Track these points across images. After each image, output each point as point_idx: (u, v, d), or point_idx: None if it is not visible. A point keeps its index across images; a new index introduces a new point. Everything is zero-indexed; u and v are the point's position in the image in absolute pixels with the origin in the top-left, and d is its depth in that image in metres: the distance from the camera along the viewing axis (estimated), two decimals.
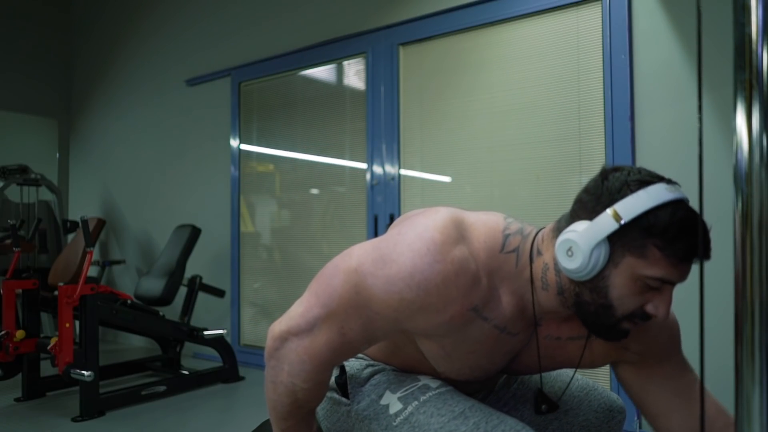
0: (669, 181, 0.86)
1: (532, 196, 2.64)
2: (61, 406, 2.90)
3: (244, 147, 3.91)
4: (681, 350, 1.06)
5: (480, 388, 1.13)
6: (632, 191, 0.83)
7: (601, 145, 2.48)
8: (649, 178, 0.84)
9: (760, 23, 0.53)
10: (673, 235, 0.81)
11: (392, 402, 0.98)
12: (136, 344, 4.59)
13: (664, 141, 2.36)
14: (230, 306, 3.90)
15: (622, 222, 0.82)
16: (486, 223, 0.93)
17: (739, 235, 0.55)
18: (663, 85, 2.37)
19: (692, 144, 2.29)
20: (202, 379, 3.28)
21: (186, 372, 3.37)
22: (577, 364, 1.01)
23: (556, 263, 0.89)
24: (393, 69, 3.15)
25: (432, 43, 3.05)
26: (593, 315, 0.88)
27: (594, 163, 2.52)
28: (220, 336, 3.36)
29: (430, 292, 0.84)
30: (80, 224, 2.82)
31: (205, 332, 3.31)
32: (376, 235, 3.17)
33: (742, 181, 0.55)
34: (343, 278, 0.89)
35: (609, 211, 0.83)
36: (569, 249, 0.85)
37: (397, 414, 0.96)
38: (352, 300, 0.87)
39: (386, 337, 0.95)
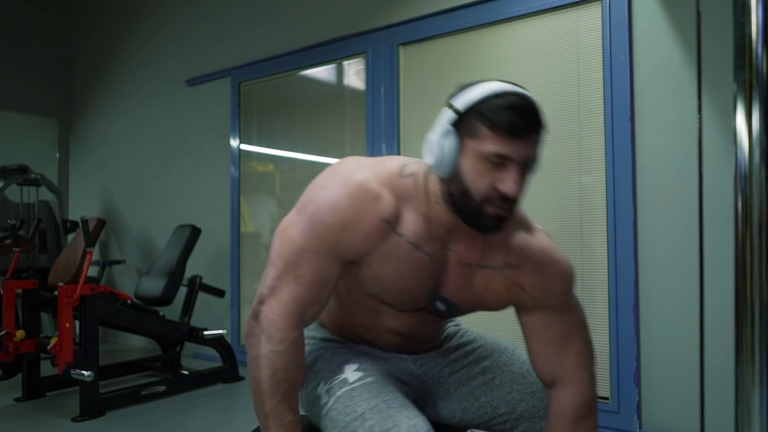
0: (510, 83, 1.00)
1: (532, 196, 2.63)
2: (61, 406, 2.90)
3: (244, 147, 3.91)
4: (567, 304, 1.14)
5: (426, 337, 1.23)
6: (464, 89, 0.99)
7: (601, 145, 2.48)
8: (486, 80, 0.99)
9: (760, 24, 0.53)
10: (498, 113, 0.93)
11: (321, 393, 1.08)
12: (136, 344, 4.59)
13: (664, 141, 2.36)
14: (230, 306, 3.90)
15: (458, 109, 0.97)
16: (385, 158, 1.11)
17: (739, 235, 0.55)
18: (663, 85, 2.37)
19: (692, 144, 2.29)
20: (202, 379, 3.28)
21: (186, 372, 3.37)
22: (486, 292, 1.10)
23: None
24: (393, 69, 3.15)
25: (432, 43, 3.05)
26: (461, 205, 0.99)
27: (594, 163, 2.52)
28: (220, 336, 3.36)
29: (343, 210, 1.00)
30: (80, 224, 2.82)
31: (205, 332, 3.31)
32: None
33: (742, 181, 0.55)
34: (280, 238, 1.05)
35: (447, 106, 0.99)
36: (427, 147, 1.00)
37: (323, 405, 1.07)
38: (292, 250, 1.02)
39: (335, 275, 1.05)
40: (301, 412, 1.13)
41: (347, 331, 1.23)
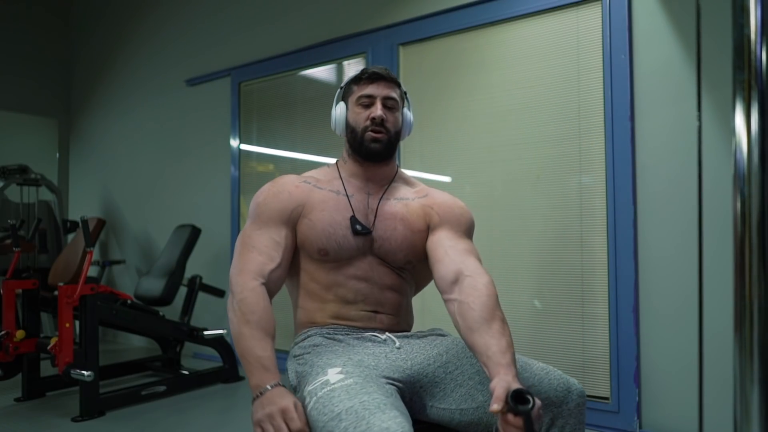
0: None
1: (532, 196, 2.63)
2: (61, 406, 2.90)
3: (244, 147, 3.91)
4: (468, 233, 1.41)
5: (388, 284, 1.39)
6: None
7: (601, 145, 2.48)
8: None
9: (759, 24, 0.53)
10: (360, 73, 1.41)
11: (305, 395, 1.14)
12: (136, 344, 4.59)
13: (664, 141, 2.36)
14: None
15: (342, 85, 1.47)
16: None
17: (739, 235, 0.55)
18: (663, 85, 2.37)
19: (692, 144, 2.29)
20: (202, 379, 3.28)
21: (186, 372, 3.37)
22: (405, 213, 1.40)
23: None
24: (393, 69, 3.15)
25: (432, 43, 3.05)
26: (353, 143, 1.41)
27: (594, 163, 2.52)
28: (220, 336, 3.37)
29: (269, 189, 1.40)
30: (80, 224, 2.82)
31: (205, 332, 3.31)
32: None
33: (741, 181, 0.55)
34: (238, 240, 1.37)
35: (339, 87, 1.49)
36: (331, 124, 1.49)
37: (306, 406, 1.12)
38: (244, 235, 1.35)
39: (282, 238, 1.33)
40: None
41: (326, 316, 1.37)
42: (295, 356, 1.35)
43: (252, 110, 3.89)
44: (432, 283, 1.43)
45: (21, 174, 4.50)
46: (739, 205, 0.56)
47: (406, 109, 1.46)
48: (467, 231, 1.41)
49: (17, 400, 3.00)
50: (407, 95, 1.48)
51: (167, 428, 2.61)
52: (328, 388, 1.10)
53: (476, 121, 2.86)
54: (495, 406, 0.95)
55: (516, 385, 0.98)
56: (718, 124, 2.19)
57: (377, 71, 1.38)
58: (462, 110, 2.91)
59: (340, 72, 3.49)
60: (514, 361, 1.08)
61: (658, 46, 2.38)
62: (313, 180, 1.42)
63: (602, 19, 2.48)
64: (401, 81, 3.13)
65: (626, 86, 2.41)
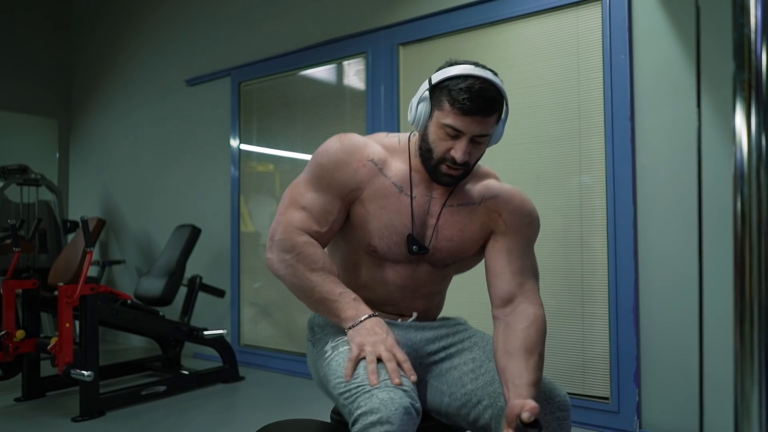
0: (481, 66, 1.21)
1: (532, 196, 2.61)
2: (61, 406, 2.90)
3: (244, 147, 3.91)
4: (530, 243, 1.33)
5: (425, 292, 1.36)
6: (445, 67, 1.22)
7: (601, 145, 2.48)
8: (462, 61, 1.22)
9: (759, 24, 0.53)
10: (457, 94, 1.16)
11: (327, 349, 1.27)
12: (136, 344, 4.59)
13: (664, 141, 2.36)
14: (230, 306, 3.90)
15: (432, 83, 1.21)
16: (374, 134, 1.37)
17: (739, 235, 0.55)
18: (663, 85, 2.37)
19: (692, 144, 2.29)
20: (202, 379, 3.28)
21: (186, 372, 3.37)
22: (467, 223, 1.30)
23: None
24: (393, 69, 3.15)
25: (432, 43, 3.05)
26: (426, 160, 1.24)
27: (594, 163, 2.52)
28: (220, 336, 3.37)
29: (335, 152, 1.26)
30: (80, 224, 2.82)
31: (205, 332, 3.31)
32: None
33: (741, 181, 0.55)
34: (288, 189, 1.31)
35: (427, 80, 1.24)
36: (409, 108, 1.27)
37: (326, 357, 1.25)
38: (296, 190, 1.28)
39: (335, 210, 1.26)
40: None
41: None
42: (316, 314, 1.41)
43: (252, 110, 3.89)
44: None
45: (21, 174, 4.50)
46: (739, 205, 0.56)
47: (500, 124, 1.25)
48: (532, 241, 1.33)
49: (17, 400, 3.00)
50: (507, 103, 1.24)
51: (167, 428, 2.61)
52: (347, 347, 1.20)
53: None
54: (507, 425, 1.03)
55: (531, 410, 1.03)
56: (718, 124, 2.19)
57: (475, 105, 1.15)
58: None
59: (340, 72, 3.49)
60: (536, 397, 1.11)
61: (658, 46, 2.38)
62: (380, 161, 1.27)
63: (602, 19, 2.48)
64: (402, 80, 3.17)
65: (626, 86, 2.41)
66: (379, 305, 1.33)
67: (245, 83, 3.90)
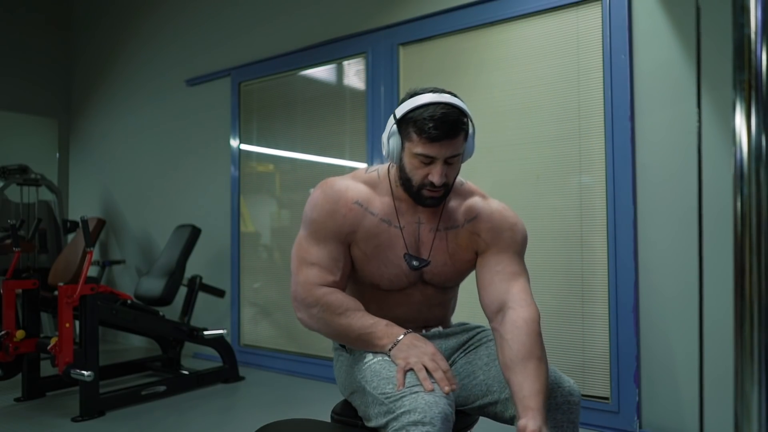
0: (439, 91, 1.26)
1: (532, 196, 2.63)
2: (61, 406, 2.91)
3: (244, 147, 3.91)
4: (517, 252, 1.36)
5: (435, 313, 1.44)
6: (406, 99, 1.27)
7: (601, 145, 2.48)
8: (421, 90, 1.27)
9: (759, 24, 0.53)
10: (422, 123, 1.21)
11: (367, 354, 1.31)
12: (136, 344, 4.59)
13: (664, 141, 2.36)
14: (230, 306, 3.90)
15: (398, 117, 1.27)
16: (353, 172, 1.43)
17: (739, 235, 0.55)
18: (663, 85, 2.37)
19: (692, 144, 2.29)
20: (202, 379, 3.28)
21: (186, 372, 3.37)
22: (456, 245, 1.36)
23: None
24: (393, 69, 3.15)
25: (432, 43, 3.05)
26: (407, 189, 1.30)
27: (594, 163, 2.52)
28: (220, 336, 3.37)
29: (322, 205, 1.33)
30: (80, 224, 2.82)
31: (205, 332, 3.31)
32: None
33: (741, 181, 0.55)
34: (294, 250, 1.37)
35: (392, 114, 1.29)
36: (381, 143, 1.34)
37: (366, 361, 1.29)
38: (300, 249, 1.35)
39: (340, 254, 1.33)
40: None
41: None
42: None
43: (252, 110, 3.89)
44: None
45: (21, 174, 4.50)
46: (739, 205, 0.56)
47: (469, 140, 1.30)
48: (517, 250, 1.36)
49: (17, 400, 3.00)
50: (471, 120, 1.30)
51: (167, 428, 2.61)
52: (382, 357, 1.28)
53: (476, 121, 2.85)
54: None
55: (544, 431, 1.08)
56: (718, 124, 2.19)
57: (441, 132, 1.20)
58: None
59: (340, 72, 3.49)
60: (544, 404, 1.13)
61: (658, 46, 2.38)
62: (364, 200, 1.33)
63: (602, 19, 2.48)
64: (402, 80, 3.17)
65: (626, 86, 2.41)
66: (401, 323, 1.38)
67: (245, 83, 3.90)
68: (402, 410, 1.10)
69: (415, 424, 1.07)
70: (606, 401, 2.44)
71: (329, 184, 1.35)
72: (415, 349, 1.21)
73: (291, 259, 1.37)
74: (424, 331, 1.42)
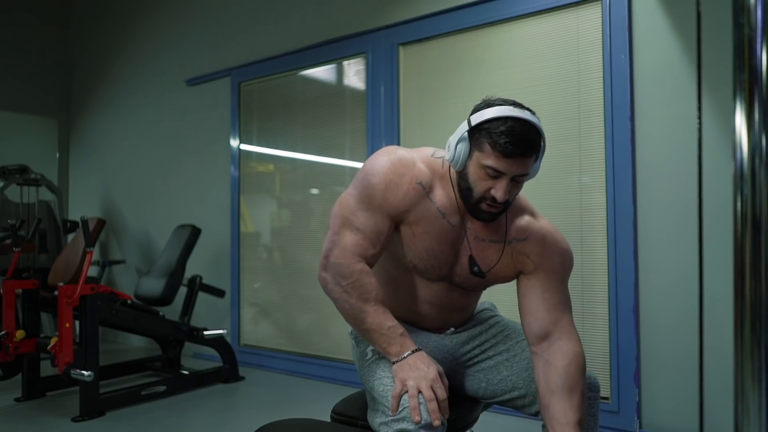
0: (519, 105, 1.22)
1: (532, 196, 2.63)
2: (61, 406, 2.91)
3: (244, 147, 3.91)
4: (564, 279, 1.35)
5: (458, 306, 1.44)
6: (483, 108, 1.23)
7: (601, 145, 2.48)
8: (500, 101, 1.23)
9: (759, 24, 0.53)
10: (499, 137, 1.17)
11: (368, 352, 1.35)
12: (136, 344, 4.59)
13: (664, 141, 2.36)
14: (230, 306, 3.90)
15: (472, 125, 1.22)
16: (419, 148, 1.37)
17: (739, 235, 0.55)
18: (663, 85, 2.37)
19: (692, 144, 2.29)
20: (202, 379, 3.28)
21: (186, 372, 3.37)
22: (496, 262, 1.34)
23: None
24: (393, 69, 3.15)
25: (432, 43, 3.05)
26: (465, 198, 1.26)
27: (594, 163, 2.52)
28: (220, 336, 3.37)
29: (386, 173, 1.27)
30: (80, 224, 2.82)
31: (205, 332, 3.31)
32: None
33: (741, 181, 0.55)
34: (338, 204, 1.32)
35: (466, 120, 1.25)
36: (447, 145, 1.27)
37: (369, 359, 1.34)
38: (347, 210, 1.29)
39: (385, 228, 1.29)
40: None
41: (395, 314, 1.37)
42: None
43: (252, 110, 3.89)
44: None
45: (21, 174, 4.50)
46: (739, 205, 0.56)
47: (537, 161, 1.26)
48: (564, 277, 1.35)
49: (17, 400, 3.00)
50: (545, 142, 1.26)
51: (167, 428, 2.61)
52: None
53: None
54: None
55: None
56: (718, 124, 2.19)
57: (515, 149, 1.18)
58: (462, 110, 2.90)
59: (340, 72, 3.49)
60: None
61: (658, 46, 2.38)
62: (427, 184, 1.29)
63: (602, 19, 2.48)
64: (402, 80, 3.17)
65: (626, 86, 2.41)
66: (419, 320, 1.43)
67: (245, 83, 3.90)
68: (397, 416, 1.15)
69: None
70: (606, 401, 2.44)
71: (397, 155, 1.30)
72: (416, 372, 1.20)
73: (331, 214, 1.32)
74: (437, 334, 1.44)
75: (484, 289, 1.45)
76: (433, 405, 1.15)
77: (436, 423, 1.13)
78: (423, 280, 1.37)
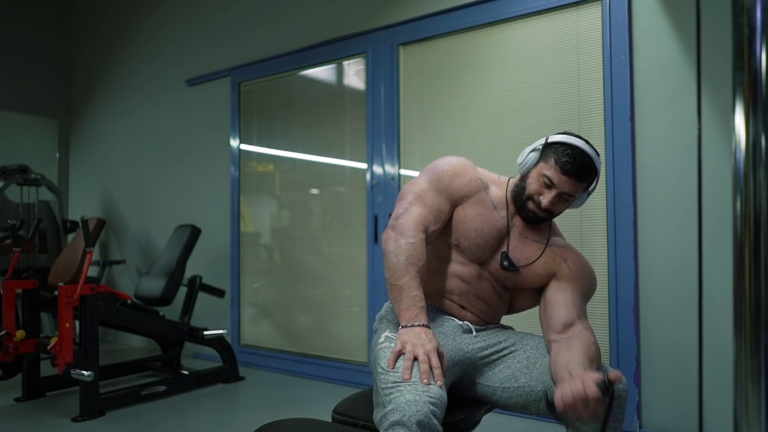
0: (590, 145, 1.47)
1: None
2: (61, 406, 2.91)
3: (244, 147, 3.91)
4: (588, 297, 1.52)
5: (485, 295, 1.55)
6: (562, 134, 1.49)
7: (601, 145, 2.48)
8: (577, 135, 1.48)
9: (759, 24, 0.53)
10: (563, 155, 1.43)
11: (383, 338, 1.43)
12: (136, 344, 4.59)
13: (664, 141, 2.36)
14: (230, 306, 3.90)
15: (548, 140, 1.49)
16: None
17: (738, 235, 0.55)
18: (663, 85, 2.37)
19: (692, 144, 2.29)
20: (202, 379, 3.29)
21: (186, 372, 3.37)
22: (535, 259, 1.52)
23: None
24: (393, 69, 3.15)
25: (432, 43, 3.05)
26: (517, 195, 1.51)
27: None
28: (220, 336, 3.37)
29: (454, 164, 1.54)
30: (80, 224, 2.82)
31: (205, 332, 3.31)
32: (376, 235, 3.18)
33: (740, 181, 0.55)
34: (409, 185, 1.54)
35: (544, 138, 1.51)
36: (521, 153, 1.53)
37: (380, 343, 1.41)
38: (419, 189, 1.50)
39: (446, 210, 1.50)
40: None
41: (426, 285, 1.50)
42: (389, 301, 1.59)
43: (252, 110, 3.89)
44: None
45: (21, 174, 4.50)
46: (739, 205, 0.56)
47: (585, 194, 1.50)
48: (588, 296, 1.51)
49: (17, 400, 3.00)
50: (597, 182, 1.50)
51: (167, 428, 2.61)
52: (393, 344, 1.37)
53: (476, 120, 2.86)
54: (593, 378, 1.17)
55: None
56: (718, 124, 2.20)
57: (572, 169, 1.42)
58: (462, 110, 2.91)
59: (340, 72, 3.49)
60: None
61: (658, 46, 2.38)
62: (485, 182, 1.55)
63: (602, 19, 2.48)
64: (402, 80, 3.17)
65: (626, 86, 2.41)
66: (444, 293, 1.55)
67: (245, 83, 3.90)
68: (389, 408, 1.18)
69: (393, 425, 1.14)
70: None
71: (461, 158, 1.56)
72: (418, 339, 1.29)
73: (403, 192, 1.52)
74: (460, 322, 1.52)
75: (513, 291, 1.58)
76: (425, 367, 1.23)
77: (424, 381, 1.20)
78: (460, 258, 1.53)
